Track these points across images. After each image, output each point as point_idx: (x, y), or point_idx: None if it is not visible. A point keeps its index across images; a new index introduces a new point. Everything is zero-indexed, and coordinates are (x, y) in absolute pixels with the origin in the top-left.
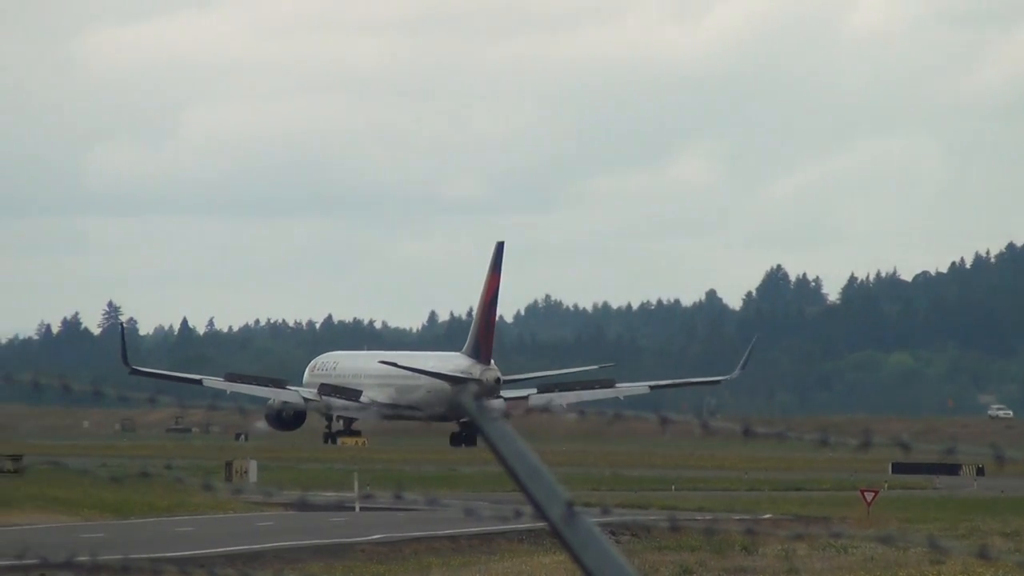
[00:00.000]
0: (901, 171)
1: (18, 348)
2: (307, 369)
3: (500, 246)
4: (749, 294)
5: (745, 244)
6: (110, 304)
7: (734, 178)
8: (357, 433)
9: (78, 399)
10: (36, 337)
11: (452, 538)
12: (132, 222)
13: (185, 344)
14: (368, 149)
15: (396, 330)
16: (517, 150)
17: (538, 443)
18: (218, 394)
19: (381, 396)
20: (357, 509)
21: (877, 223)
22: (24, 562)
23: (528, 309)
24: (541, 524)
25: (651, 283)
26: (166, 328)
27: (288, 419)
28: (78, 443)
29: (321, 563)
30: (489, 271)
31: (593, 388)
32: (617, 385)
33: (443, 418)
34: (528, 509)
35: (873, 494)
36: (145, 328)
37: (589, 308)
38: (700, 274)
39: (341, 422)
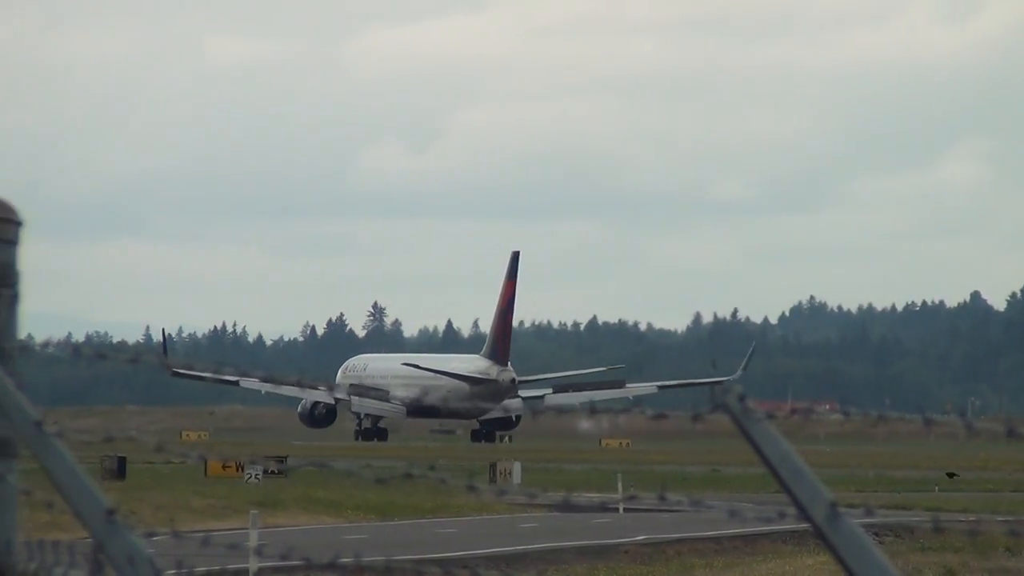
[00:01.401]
0: None
1: (283, 349)
2: (340, 370)
3: (516, 255)
4: (1014, 295)
5: (1011, 244)
6: (375, 305)
7: (1001, 178)
8: (384, 431)
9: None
10: (301, 339)
11: (715, 539)
12: (398, 224)
13: (449, 346)
14: (634, 150)
15: (660, 331)
16: (783, 151)
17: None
18: (254, 395)
19: (408, 396)
20: (621, 510)
21: None
22: (288, 563)
23: (792, 311)
24: (804, 525)
25: (915, 284)
26: (430, 330)
27: (320, 418)
28: (343, 444)
29: (584, 564)
30: (505, 279)
31: (604, 388)
32: (627, 385)
33: (467, 416)
34: (791, 510)
35: None
36: (409, 330)
37: (853, 309)
38: (964, 275)
39: (368, 420)
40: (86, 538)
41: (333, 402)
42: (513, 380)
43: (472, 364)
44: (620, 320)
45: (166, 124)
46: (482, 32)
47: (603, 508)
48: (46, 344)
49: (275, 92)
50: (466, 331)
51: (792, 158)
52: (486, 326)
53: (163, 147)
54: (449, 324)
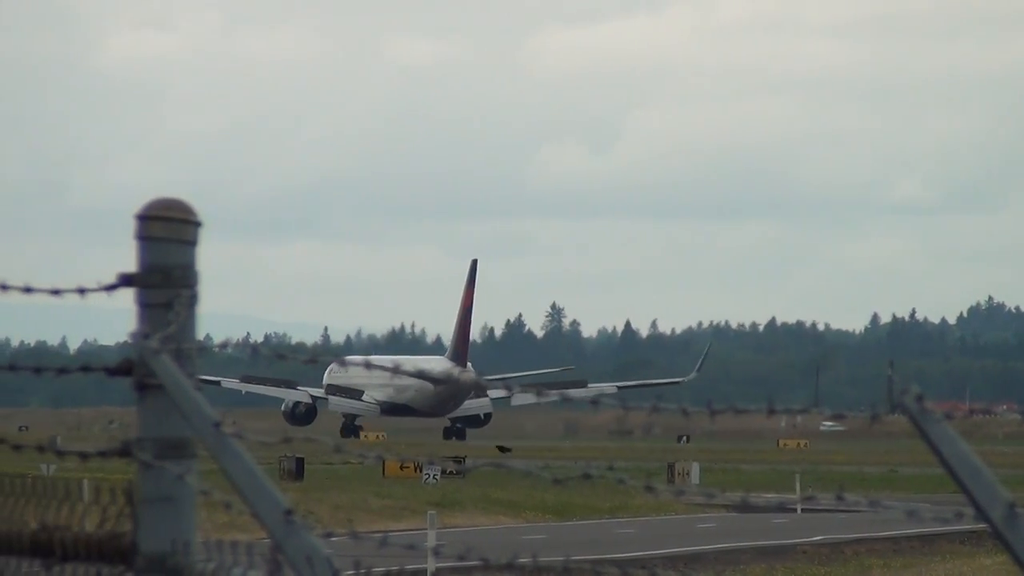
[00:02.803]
0: None
1: None
2: (326, 371)
3: (474, 263)
4: None
5: None
6: (553, 306)
7: None
8: (359, 428)
9: (519, 401)
10: (479, 341)
11: (893, 539)
12: (576, 224)
13: (628, 347)
14: (812, 151)
15: (838, 331)
16: (961, 152)
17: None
18: (234, 395)
19: (381, 396)
20: (799, 510)
21: None
22: (466, 563)
23: (971, 311)
24: (982, 526)
25: None
26: (609, 330)
27: (300, 416)
28: (521, 444)
29: (762, 564)
30: (465, 286)
31: (567, 388)
32: (588, 385)
33: (433, 414)
34: (969, 511)
35: None
36: (588, 330)
37: None
38: None
39: (346, 418)
40: (264, 539)
41: (311, 401)
42: (473, 380)
43: (438, 365)
44: (798, 320)
45: (344, 125)
46: (660, 33)
47: (781, 508)
48: (224, 345)
49: (453, 92)
50: (644, 331)
51: (970, 159)
52: (665, 326)
53: (341, 148)
54: (628, 324)
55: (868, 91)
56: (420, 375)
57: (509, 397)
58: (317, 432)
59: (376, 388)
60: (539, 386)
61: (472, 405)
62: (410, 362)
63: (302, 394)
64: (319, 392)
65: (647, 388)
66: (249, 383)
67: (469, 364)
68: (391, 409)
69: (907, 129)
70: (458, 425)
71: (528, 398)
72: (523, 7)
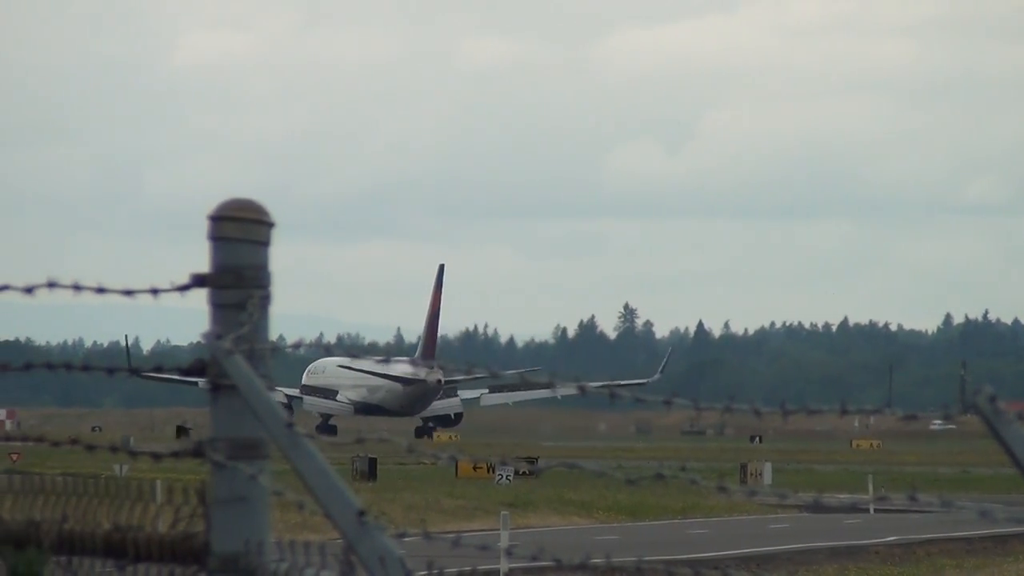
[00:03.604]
0: None
1: (534, 351)
2: (305, 372)
3: (441, 268)
4: None
5: None
6: (626, 306)
7: None
8: (333, 427)
9: (593, 402)
10: (552, 341)
11: (966, 540)
12: (649, 225)
13: (701, 347)
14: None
15: (911, 332)
16: None
17: None
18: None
19: (354, 396)
20: (871, 511)
21: None
22: (539, 563)
23: None
24: None
25: None
26: (681, 331)
27: None
28: (594, 445)
29: (835, 565)
30: (433, 290)
31: (535, 388)
32: (555, 386)
33: (402, 413)
34: None
35: None
36: (661, 331)
37: None
38: None
39: (321, 417)
40: (337, 539)
41: (287, 401)
42: (439, 381)
43: (409, 367)
44: (871, 321)
45: (418, 125)
46: (734, 33)
47: (854, 509)
48: (297, 345)
49: (527, 93)
50: (717, 331)
51: None
52: (738, 327)
53: (415, 148)
54: (700, 325)
55: (942, 91)
56: (390, 376)
57: (478, 398)
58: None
59: (349, 389)
60: (508, 387)
61: (442, 405)
62: (379, 364)
63: (278, 394)
64: (295, 392)
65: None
66: None
67: (437, 365)
68: (364, 409)
69: (981, 129)
70: (429, 424)
71: (497, 398)
72: (597, 7)
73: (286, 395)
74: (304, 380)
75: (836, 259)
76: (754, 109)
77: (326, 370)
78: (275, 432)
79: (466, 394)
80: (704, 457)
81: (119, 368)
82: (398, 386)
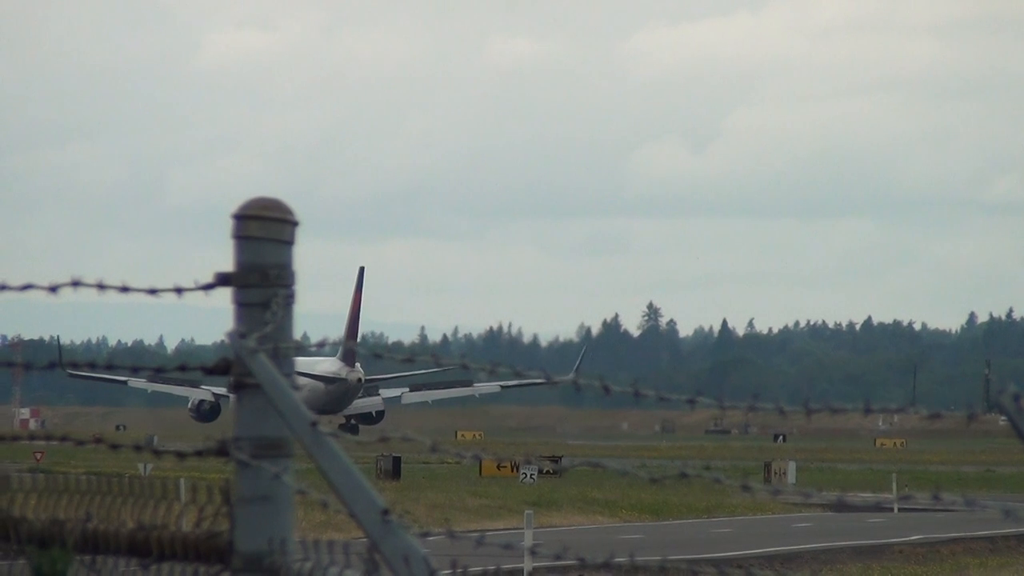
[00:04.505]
0: None
1: (558, 350)
2: None
3: (362, 270)
4: None
5: None
6: (650, 305)
7: None
8: None
9: (616, 400)
10: (576, 340)
11: (990, 539)
12: (673, 223)
13: (724, 346)
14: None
15: (935, 331)
16: None
17: None
18: (141, 393)
19: None
20: (895, 510)
21: None
22: (563, 562)
23: None
24: None
25: None
26: (705, 330)
27: (205, 413)
28: (617, 444)
29: (858, 564)
30: (354, 291)
31: (454, 387)
32: (474, 384)
33: (325, 411)
34: None
35: None
36: (684, 330)
37: None
38: None
39: None
40: (361, 538)
41: (214, 399)
42: (360, 379)
43: (330, 366)
44: (895, 320)
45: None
46: (761, 31)
47: (878, 508)
48: (322, 344)
49: (552, 91)
50: (741, 330)
51: None
52: (762, 326)
53: (439, 147)
54: (724, 324)
55: (967, 90)
56: (312, 376)
57: (399, 396)
58: (222, 428)
59: None
60: (428, 385)
61: (363, 403)
62: (304, 363)
63: (205, 392)
64: (221, 390)
65: (527, 388)
66: (155, 382)
67: (358, 364)
68: None
69: (1005, 128)
70: (352, 422)
71: (418, 396)
72: (624, 5)
73: (213, 393)
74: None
75: (860, 258)
76: (780, 108)
77: None
78: (299, 431)
79: (388, 393)
80: (728, 456)
81: (143, 367)
82: (320, 385)
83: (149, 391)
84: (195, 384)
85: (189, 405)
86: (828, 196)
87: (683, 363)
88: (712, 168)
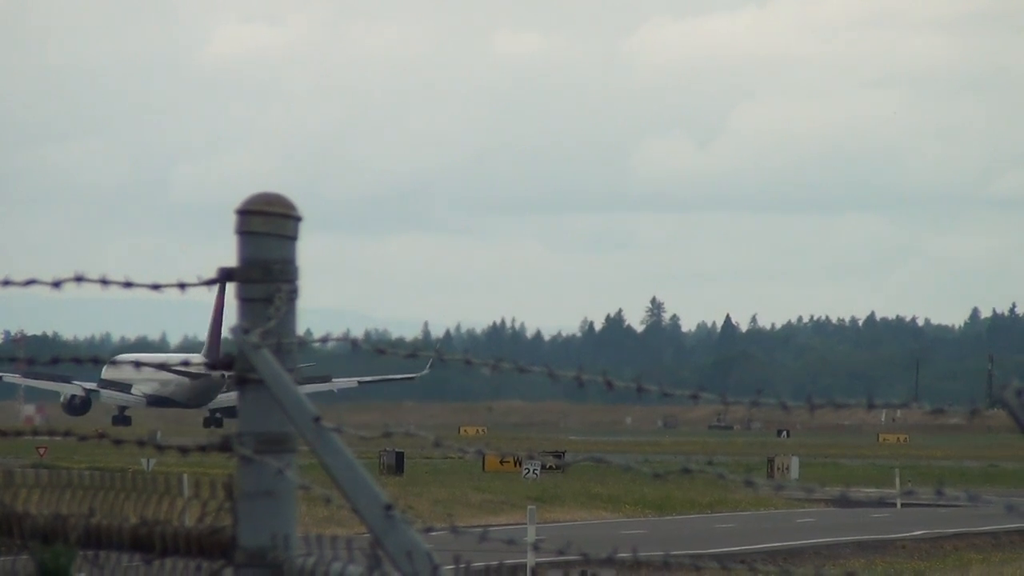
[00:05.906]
0: None
1: (561, 345)
2: (105, 366)
3: (224, 274)
4: None
5: None
6: (653, 300)
7: None
8: (128, 418)
9: (621, 396)
10: (579, 334)
11: (992, 534)
12: (677, 219)
13: (728, 341)
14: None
15: (938, 326)
16: None
17: None
18: (14, 389)
19: (147, 389)
20: (899, 505)
21: None
22: (566, 557)
23: None
24: None
25: None
26: (709, 325)
27: (77, 407)
28: (621, 439)
29: (862, 559)
30: (216, 294)
31: (312, 382)
32: (332, 380)
33: (191, 405)
34: None
35: None
36: (688, 325)
37: None
38: None
39: (118, 410)
40: (364, 533)
41: (84, 394)
42: (223, 376)
43: (196, 362)
44: (898, 316)
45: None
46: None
47: (881, 503)
48: (324, 339)
49: (557, 86)
50: (744, 325)
51: None
52: (765, 321)
53: (442, 143)
54: (727, 319)
55: (972, 86)
56: (178, 371)
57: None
58: (92, 422)
59: (143, 383)
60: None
61: (227, 397)
62: (173, 359)
63: (76, 388)
64: (92, 386)
65: (385, 383)
66: (28, 378)
67: None
68: (156, 401)
69: (1010, 124)
70: (217, 415)
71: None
72: (628, 1)
73: (84, 388)
74: (103, 375)
75: (864, 254)
76: (784, 103)
77: (121, 366)
78: (302, 426)
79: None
80: (731, 451)
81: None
82: (186, 380)
83: (22, 387)
84: (67, 379)
85: (61, 399)
86: (832, 192)
87: (686, 358)
88: (716, 164)
